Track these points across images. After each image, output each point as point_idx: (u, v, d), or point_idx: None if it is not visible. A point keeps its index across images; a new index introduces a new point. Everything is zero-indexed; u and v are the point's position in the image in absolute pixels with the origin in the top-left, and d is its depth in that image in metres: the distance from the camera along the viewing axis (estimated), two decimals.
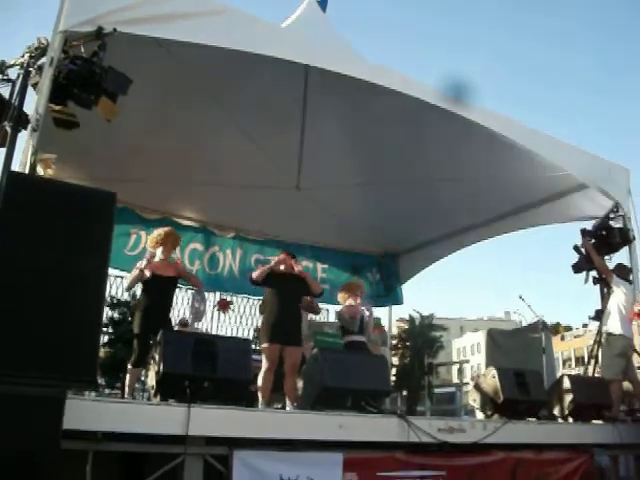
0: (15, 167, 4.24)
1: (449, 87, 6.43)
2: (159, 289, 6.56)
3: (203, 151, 7.94)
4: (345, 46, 7.49)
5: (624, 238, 7.70)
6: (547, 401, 6.60)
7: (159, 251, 6.71)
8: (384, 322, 11.58)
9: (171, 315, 7.07)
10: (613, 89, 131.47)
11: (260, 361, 6.41)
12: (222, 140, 7.77)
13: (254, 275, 6.65)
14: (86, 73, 4.36)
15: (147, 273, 6.48)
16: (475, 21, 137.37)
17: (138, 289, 7.53)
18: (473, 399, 6.74)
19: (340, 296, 7.81)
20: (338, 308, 9.00)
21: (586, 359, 9.20)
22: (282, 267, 6.72)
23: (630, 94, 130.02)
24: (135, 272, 6.57)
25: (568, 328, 59.94)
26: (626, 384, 7.08)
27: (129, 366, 6.37)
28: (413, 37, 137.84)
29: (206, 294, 9.16)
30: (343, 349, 7.36)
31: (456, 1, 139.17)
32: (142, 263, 6.61)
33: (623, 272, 7.55)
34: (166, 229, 7.04)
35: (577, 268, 7.97)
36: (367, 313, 7.57)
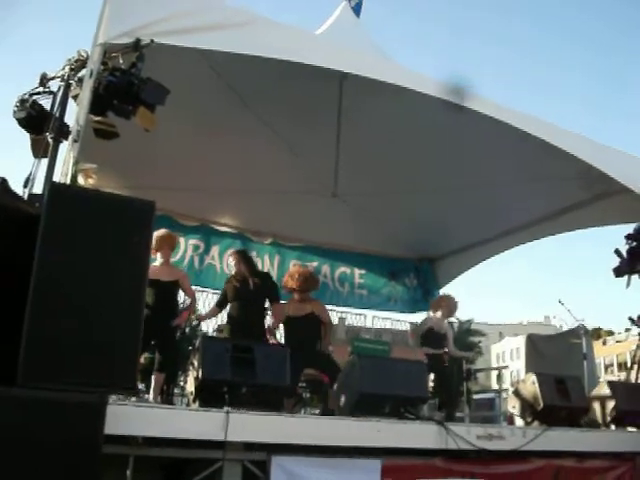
0: (57, 178, 4.35)
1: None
2: (156, 294, 6.41)
3: (241, 159, 7.98)
4: (379, 52, 7.48)
5: None
6: (588, 408, 6.49)
7: (158, 256, 6.70)
8: None
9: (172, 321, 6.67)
10: None
11: None
12: (260, 148, 7.81)
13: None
14: (125, 84, 4.42)
15: None
16: None
17: None
18: (512, 406, 6.66)
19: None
20: (375, 314, 9.24)
21: (629, 364, 9.02)
22: None
23: None
24: None
25: (610, 333, 58.85)
26: None
27: None
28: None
29: None
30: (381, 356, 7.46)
31: None
32: None
33: None
34: (158, 233, 6.65)
35: (618, 272, 7.83)
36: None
